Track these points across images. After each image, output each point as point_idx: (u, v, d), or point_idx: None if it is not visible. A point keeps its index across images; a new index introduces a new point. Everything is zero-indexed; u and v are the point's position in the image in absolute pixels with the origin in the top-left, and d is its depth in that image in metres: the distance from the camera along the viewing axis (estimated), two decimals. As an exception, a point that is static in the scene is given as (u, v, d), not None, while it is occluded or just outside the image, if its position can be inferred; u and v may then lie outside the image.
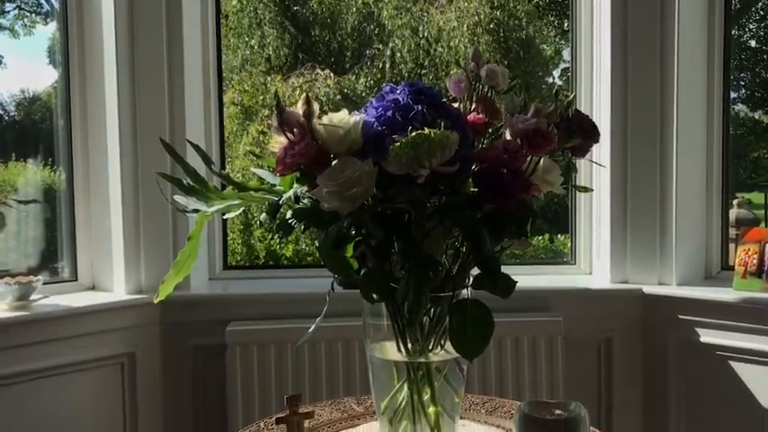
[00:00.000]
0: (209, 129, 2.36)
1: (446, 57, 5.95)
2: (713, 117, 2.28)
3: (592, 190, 2.28)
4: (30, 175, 2.39)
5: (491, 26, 5.94)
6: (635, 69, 2.19)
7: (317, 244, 1.10)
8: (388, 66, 6.01)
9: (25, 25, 3.18)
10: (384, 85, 1.14)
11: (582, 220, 2.43)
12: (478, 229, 1.02)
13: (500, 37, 5.98)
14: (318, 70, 6.07)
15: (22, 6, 3.38)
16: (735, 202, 2.59)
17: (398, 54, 6.01)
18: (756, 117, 3.21)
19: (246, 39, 6.24)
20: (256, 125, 5.68)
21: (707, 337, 2.11)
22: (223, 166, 2.53)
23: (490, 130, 1.19)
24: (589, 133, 1.15)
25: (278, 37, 6.19)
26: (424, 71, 6.01)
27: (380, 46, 6.19)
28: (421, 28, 6.05)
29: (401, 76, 5.96)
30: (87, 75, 2.23)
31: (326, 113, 1.08)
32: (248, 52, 6.22)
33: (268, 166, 1.20)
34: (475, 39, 5.82)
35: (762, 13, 3.24)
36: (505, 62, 5.81)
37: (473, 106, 1.20)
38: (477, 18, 5.89)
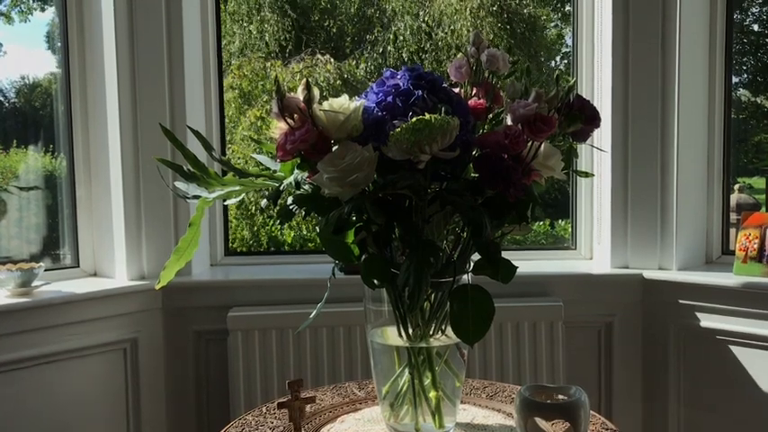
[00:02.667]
0: (209, 114, 2.36)
1: (448, 40, 5.92)
2: (715, 101, 2.27)
3: (593, 175, 2.27)
4: (31, 161, 2.39)
5: (494, 8, 5.91)
6: (636, 54, 2.18)
7: (318, 230, 1.10)
8: (390, 49, 5.99)
9: (22, 11, 3.15)
10: (385, 69, 1.14)
11: (583, 205, 2.43)
12: (479, 215, 1.03)
13: (503, 19, 5.95)
14: (319, 55, 6.05)
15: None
16: (736, 186, 2.59)
17: (400, 38, 5.98)
18: (758, 101, 3.19)
19: (245, 24, 6.22)
20: (255, 110, 5.67)
21: (707, 321, 2.11)
22: (224, 153, 2.52)
23: (491, 116, 1.19)
24: (590, 118, 1.15)
25: (277, 22, 6.16)
26: (424, 55, 5.98)
27: (379, 30, 6.15)
28: (422, 13, 6.02)
29: (401, 60, 5.94)
30: (87, 61, 2.22)
31: (327, 99, 1.08)
32: (246, 38, 6.20)
33: (268, 152, 1.20)
34: (478, 22, 5.79)
35: (765, -4, 3.21)
36: (512, 41, 5.77)
37: (474, 91, 1.20)
38: (480, 0, 5.85)
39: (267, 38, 6.10)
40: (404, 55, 5.97)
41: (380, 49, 6.04)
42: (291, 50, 6.12)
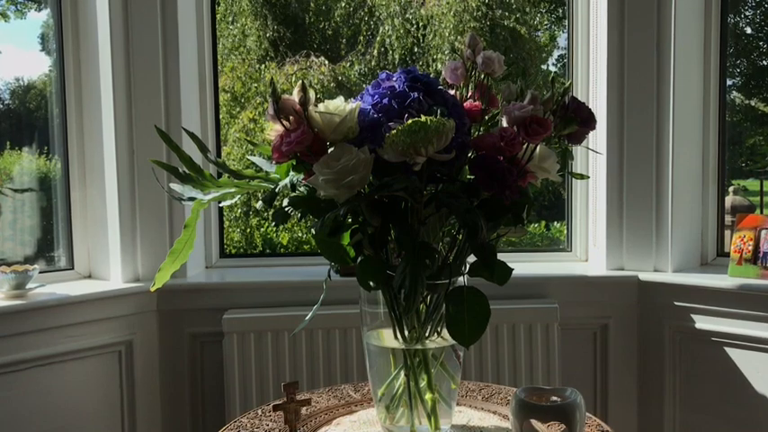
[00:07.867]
0: (204, 116, 2.35)
1: (431, 42, 5.93)
2: (709, 104, 2.28)
3: (588, 177, 2.28)
4: (25, 163, 2.38)
5: (477, 14, 5.92)
6: (631, 56, 2.18)
7: (314, 232, 1.10)
8: (376, 52, 5.99)
9: (18, 10, 3.14)
10: (380, 72, 1.14)
11: (578, 207, 2.43)
12: (474, 217, 1.02)
13: (486, 24, 5.96)
14: (313, 57, 6.05)
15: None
16: (730, 189, 2.59)
17: (387, 40, 5.99)
18: (752, 104, 3.20)
19: (230, 28, 6.23)
20: (248, 113, 5.67)
21: (702, 323, 2.12)
22: (219, 154, 2.52)
23: (487, 118, 1.19)
24: (585, 120, 1.15)
25: (258, 29, 6.17)
26: (414, 57, 6.00)
27: (365, 34, 6.16)
28: (409, 15, 6.02)
29: (393, 63, 5.95)
30: (82, 62, 2.21)
31: (322, 101, 1.08)
32: (230, 42, 6.20)
33: (262, 154, 1.20)
34: (461, 26, 5.80)
35: (758, -1, 3.22)
36: (495, 47, 5.79)
37: (469, 93, 1.20)
38: (464, 5, 5.86)
39: (249, 43, 6.11)
40: (395, 56, 5.97)
41: (374, 51, 6.05)
42: (272, 56, 6.13)
